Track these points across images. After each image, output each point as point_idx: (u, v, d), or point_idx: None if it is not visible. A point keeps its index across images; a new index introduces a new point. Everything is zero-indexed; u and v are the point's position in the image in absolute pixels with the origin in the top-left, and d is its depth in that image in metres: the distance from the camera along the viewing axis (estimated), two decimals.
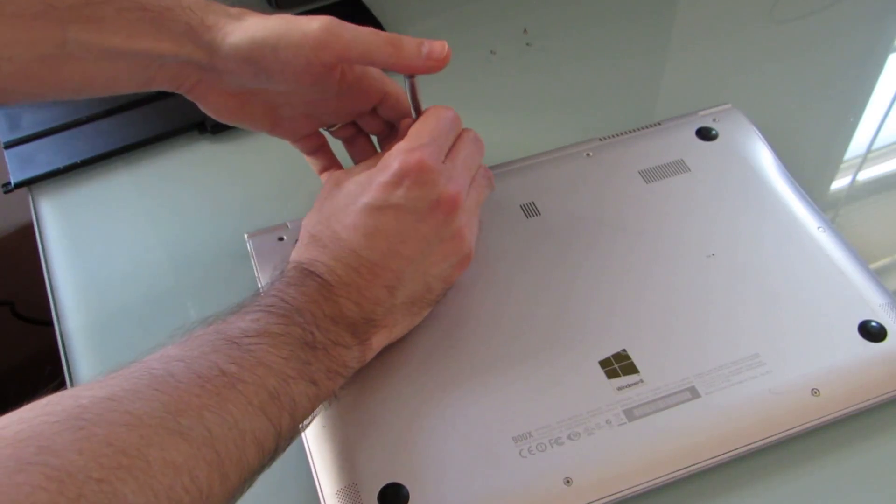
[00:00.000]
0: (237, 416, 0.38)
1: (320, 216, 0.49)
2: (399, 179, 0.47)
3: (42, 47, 0.49)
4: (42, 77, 0.53)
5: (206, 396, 0.38)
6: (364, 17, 0.79)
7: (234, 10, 0.51)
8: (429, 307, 0.51)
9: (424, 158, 0.47)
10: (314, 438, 0.48)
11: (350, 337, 0.46)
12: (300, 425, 0.43)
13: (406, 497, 0.45)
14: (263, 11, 0.80)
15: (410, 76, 0.51)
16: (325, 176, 0.58)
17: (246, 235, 0.59)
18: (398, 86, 0.54)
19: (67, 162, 0.66)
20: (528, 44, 0.77)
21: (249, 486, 0.40)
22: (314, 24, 0.48)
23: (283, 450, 0.42)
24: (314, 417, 0.45)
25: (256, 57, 0.49)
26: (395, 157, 0.48)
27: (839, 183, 0.67)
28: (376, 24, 0.78)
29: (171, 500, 0.34)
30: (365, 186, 0.48)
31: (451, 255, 0.50)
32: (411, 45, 0.50)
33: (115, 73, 0.52)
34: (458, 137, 0.52)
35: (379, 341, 0.48)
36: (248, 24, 0.49)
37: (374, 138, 0.59)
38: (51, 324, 0.59)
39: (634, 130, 0.64)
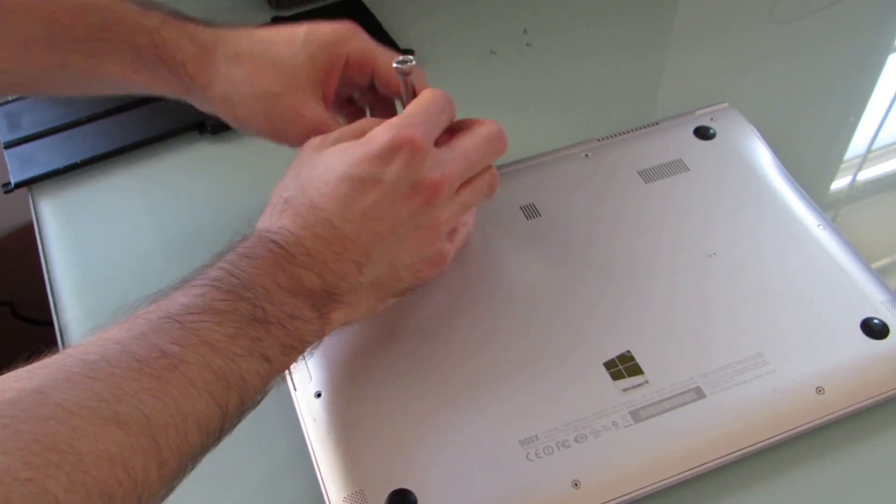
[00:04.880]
0: (179, 400, 0.36)
1: (297, 181, 0.48)
2: (387, 154, 0.46)
3: (41, 67, 0.53)
4: (39, 89, 0.57)
5: (145, 380, 0.36)
6: (364, 18, 0.79)
7: (208, 45, 0.53)
8: (395, 297, 0.50)
9: (416, 136, 0.46)
10: (320, 444, 0.48)
11: (309, 310, 0.44)
12: (249, 404, 0.41)
13: (414, 502, 0.45)
14: (262, 10, 0.80)
15: (405, 74, 0.51)
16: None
17: None
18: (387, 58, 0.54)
19: (67, 162, 0.66)
20: (528, 44, 0.77)
21: (192, 469, 0.38)
22: (310, 113, 0.52)
23: (230, 430, 0.41)
24: (265, 395, 0.43)
25: (242, 111, 0.54)
26: (387, 131, 0.47)
27: (839, 183, 0.68)
28: (376, 25, 0.78)
29: (103, 494, 0.32)
30: (350, 156, 0.47)
31: (423, 245, 0.48)
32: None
33: (112, 92, 0.57)
34: (472, 127, 0.50)
35: (339, 318, 0.46)
36: (241, 84, 0.53)
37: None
38: (51, 324, 0.59)
39: (632, 130, 0.64)
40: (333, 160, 0.47)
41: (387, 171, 0.46)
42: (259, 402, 0.43)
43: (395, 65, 0.51)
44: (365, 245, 0.46)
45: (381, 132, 0.47)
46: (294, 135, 0.52)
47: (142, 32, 0.52)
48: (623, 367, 0.50)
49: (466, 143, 0.49)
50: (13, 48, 0.52)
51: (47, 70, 0.53)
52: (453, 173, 0.48)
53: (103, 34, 0.52)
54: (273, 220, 0.46)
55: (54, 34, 0.51)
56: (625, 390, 0.49)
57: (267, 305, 0.42)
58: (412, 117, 0.48)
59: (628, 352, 0.50)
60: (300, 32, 0.53)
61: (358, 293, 0.47)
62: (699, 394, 0.48)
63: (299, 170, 0.49)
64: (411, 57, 0.51)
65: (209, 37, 0.53)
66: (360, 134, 0.49)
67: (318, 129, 0.51)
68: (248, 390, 0.40)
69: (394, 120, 0.48)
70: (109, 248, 0.63)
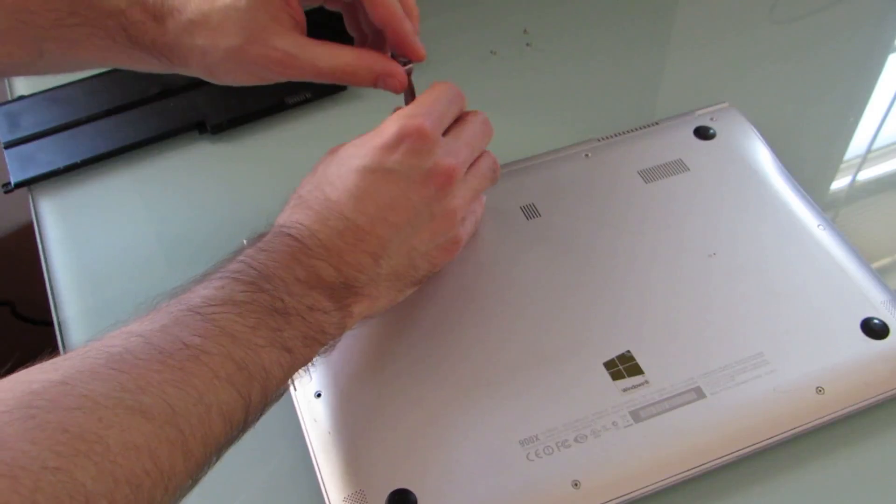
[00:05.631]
0: (202, 390, 0.37)
1: (312, 179, 0.49)
2: (397, 143, 0.46)
3: (19, 57, 0.52)
4: (23, 74, 0.56)
5: (168, 371, 0.36)
6: None
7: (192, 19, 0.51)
8: (412, 287, 0.51)
9: (424, 125, 0.47)
10: (320, 444, 0.48)
11: (328, 302, 0.44)
12: (272, 395, 0.42)
13: (414, 502, 0.45)
14: None
15: (406, 73, 0.52)
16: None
17: (245, 242, 0.58)
18: None
19: (67, 162, 0.66)
20: (528, 44, 0.77)
21: (217, 460, 0.39)
22: (276, 53, 0.49)
23: (254, 421, 0.41)
24: (288, 387, 0.44)
25: (223, 74, 0.52)
26: (395, 122, 0.47)
27: (839, 183, 0.68)
28: None
29: (130, 484, 0.33)
30: (360, 149, 0.47)
31: (438, 233, 0.49)
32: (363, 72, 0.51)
33: (97, 69, 0.56)
34: (466, 117, 0.52)
35: (360, 311, 0.47)
36: (209, 51, 0.50)
37: None
38: (51, 324, 0.59)
39: (632, 130, 0.64)
40: (346, 154, 0.48)
41: (397, 161, 0.46)
42: (283, 393, 0.43)
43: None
44: (380, 236, 0.46)
45: (389, 123, 0.47)
46: (279, 74, 0.51)
47: (110, 16, 0.51)
48: (623, 367, 0.50)
49: (467, 131, 0.51)
50: None
51: (26, 59, 0.52)
52: (464, 159, 0.49)
53: (74, 20, 0.51)
54: (288, 216, 0.47)
55: (26, 24, 0.50)
56: (625, 390, 0.49)
57: (286, 297, 0.42)
58: (421, 107, 0.48)
59: (628, 352, 0.50)
60: None
61: (377, 285, 0.47)
62: (699, 394, 0.48)
63: (316, 168, 0.50)
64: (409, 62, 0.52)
65: (166, 9, 0.51)
66: None
67: (293, 64, 0.50)
68: (270, 381, 0.41)
69: (403, 110, 0.48)
70: (109, 248, 0.63)
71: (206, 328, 0.39)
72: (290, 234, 0.45)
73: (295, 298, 0.43)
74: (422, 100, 0.49)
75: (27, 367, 0.35)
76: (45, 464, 0.30)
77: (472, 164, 0.52)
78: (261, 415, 0.41)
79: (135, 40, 0.51)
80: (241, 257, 0.44)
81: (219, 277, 0.42)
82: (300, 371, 0.44)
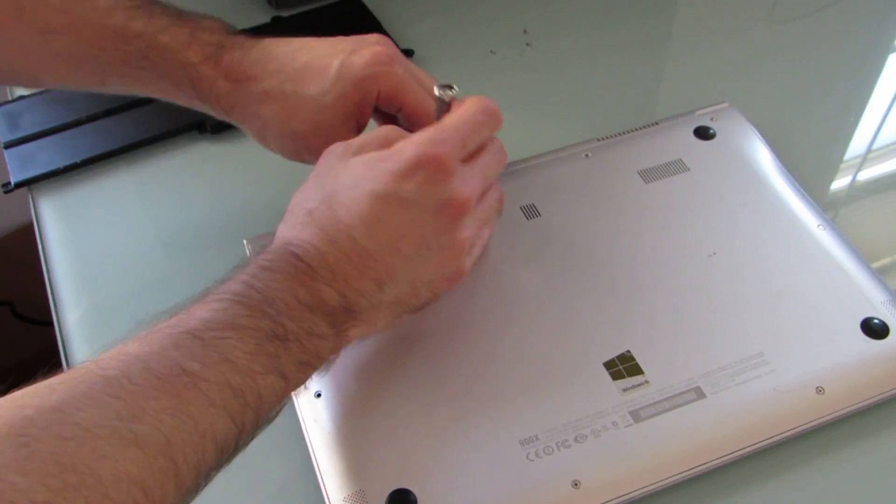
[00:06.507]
0: (197, 418, 0.36)
1: (321, 193, 0.47)
2: (412, 171, 0.45)
3: (84, 82, 0.56)
4: (79, 90, 0.60)
5: (165, 399, 0.36)
6: (364, 18, 0.79)
7: (248, 70, 0.54)
8: (411, 313, 0.50)
9: (443, 155, 0.45)
10: (320, 444, 0.48)
11: (326, 327, 0.44)
12: (264, 420, 0.41)
13: (414, 502, 0.45)
14: (262, 9, 0.80)
15: (446, 101, 0.50)
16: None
17: (245, 241, 0.58)
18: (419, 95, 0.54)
19: (67, 162, 0.66)
20: (528, 44, 0.77)
21: (205, 486, 0.38)
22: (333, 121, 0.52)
23: (244, 447, 0.40)
24: (279, 412, 0.43)
25: (272, 142, 0.56)
26: (412, 146, 0.45)
27: (839, 183, 0.68)
28: (376, 25, 0.78)
29: None
30: (374, 170, 0.45)
31: (445, 264, 0.48)
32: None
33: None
34: (485, 144, 0.49)
35: (356, 334, 0.46)
36: (271, 124, 0.54)
37: None
38: (51, 324, 0.59)
39: (632, 130, 0.64)
40: (358, 173, 0.46)
41: (412, 190, 0.45)
42: (273, 418, 0.42)
43: (436, 93, 0.50)
44: (387, 264, 0.45)
45: (408, 148, 0.45)
46: None
47: (180, 67, 0.53)
48: (623, 367, 0.50)
49: (484, 158, 0.49)
50: (59, 66, 0.54)
51: (89, 84, 0.56)
52: (477, 190, 0.48)
53: (143, 63, 0.53)
54: (295, 233, 0.46)
55: (95, 57, 0.53)
56: (625, 390, 0.49)
57: (287, 322, 0.42)
58: (442, 133, 0.46)
59: (628, 352, 0.50)
60: (333, 66, 0.52)
61: (377, 311, 0.46)
62: (699, 394, 0.48)
63: (323, 180, 0.48)
64: (455, 88, 0.50)
65: (243, 74, 0.53)
66: (384, 143, 0.48)
67: None
68: (263, 407, 0.40)
69: (423, 135, 0.46)
70: (109, 247, 0.63)
71: (205, 354, 0.38)
72: (295, 255, 0.44)
73: (295, 323, 0.42)
74: (446, 123, 0.47)
75: (25, 385, 0.35)
76: (35, 498, 0.30)
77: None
78: (251, 440, 0.41)
79: (199, 92, 0.54)
80: (243, 277, 0.43)
81: (220, 299, 0.41)
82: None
